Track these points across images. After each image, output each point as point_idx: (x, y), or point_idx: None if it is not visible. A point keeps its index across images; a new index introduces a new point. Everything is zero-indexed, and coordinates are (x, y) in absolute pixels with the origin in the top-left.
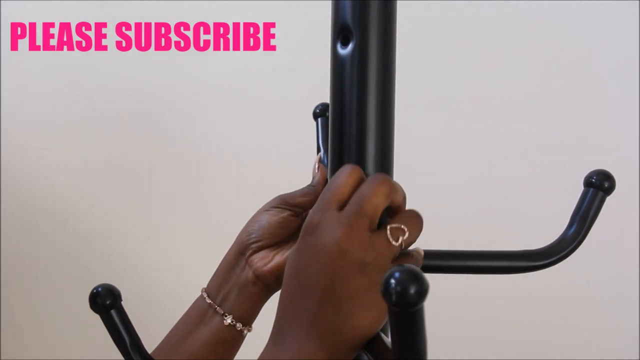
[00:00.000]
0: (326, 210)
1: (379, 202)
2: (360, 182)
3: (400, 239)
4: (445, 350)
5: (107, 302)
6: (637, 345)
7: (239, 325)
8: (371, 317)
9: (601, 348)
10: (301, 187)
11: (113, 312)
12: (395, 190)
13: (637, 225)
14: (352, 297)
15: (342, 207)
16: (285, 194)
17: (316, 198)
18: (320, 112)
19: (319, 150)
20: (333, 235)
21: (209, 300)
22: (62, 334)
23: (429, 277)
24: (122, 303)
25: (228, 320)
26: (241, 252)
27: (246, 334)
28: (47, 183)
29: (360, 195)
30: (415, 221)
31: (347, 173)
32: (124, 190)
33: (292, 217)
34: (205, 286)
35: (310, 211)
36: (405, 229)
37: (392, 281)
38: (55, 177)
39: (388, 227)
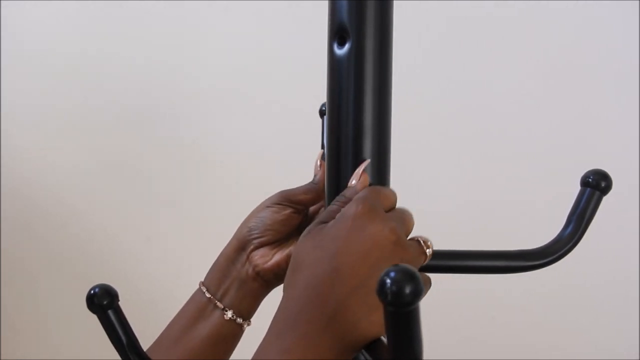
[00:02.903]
0: (376, 205)
1: (412, 224)
2: (395, 204)
3: (428, 250)
4: (445, 351)
5: (104, 303)
6: (637, 345)
7: (239, 320)
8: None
9: (601, 348)
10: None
11: (110, 312)
12: None
13: (638, 225)
14: None
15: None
16: (287, 190)
17: (318, 196)
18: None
19: (323, 147)
20: (383, 227)
21: (208, 295)
22: (61, 334)
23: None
24: (121, 304)
25: (228, 314)
26: (242, 247)
27: (245, 328)
28: (46, 184)
29: (403, 211)
30: (431, 242)
31: (392, 191)
32: (123, 192)
33: (294, 215)
34: (202, 280)
35: (355, 200)
36: (430, 244)
37: (388, 280)
38: (54, 178)
39: (419, 239)
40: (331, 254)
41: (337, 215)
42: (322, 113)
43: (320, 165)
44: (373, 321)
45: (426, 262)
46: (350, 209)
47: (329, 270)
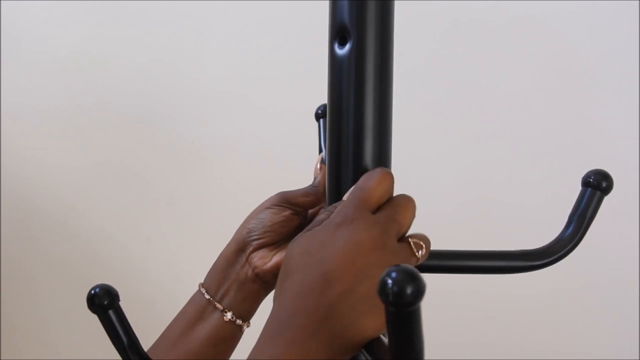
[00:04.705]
0: (362, 209)
1: (410, 216)
2: (391, 188)
3: (420, 252)
4: (444, 351)
5: (105, 303)
6: (637, 345)
7: (238, 321)
8: (379, 321)
9: (601, 348)
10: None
11: (111, 312)
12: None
13: (637, 226)
14: (370, 297)
15: (374, 209)
16: (286, 192)
17: (317, 198)
18: (322, 113)
19: (320, 151)
20: (369, 233)
21: (208, 296)
22: (61, 334)
23: (426, 277)
24: (121, 304)
25: (228, 316)
26: (241, 249)
27: (245, 329)
28: (45, 184)
29: (396, 204)
30: (428, 241)
31: (381, 177)
32: (123, 192)
33: (293, 216)
34: (202, 281)
35: (342, 206)
36: (423, 245)
37: (389, 281)
38: (53, 178)
39: (410, 240)
40: (318, 261)
41: (325, 222)
42: (317, 116)
43: (320, 168)
44: (365, 326)
45: (418, 263)
46: (336, 216)
47: (318, 276)
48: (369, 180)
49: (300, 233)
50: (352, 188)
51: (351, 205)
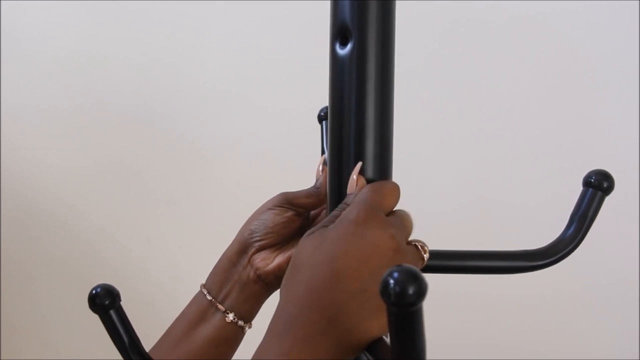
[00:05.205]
0: (376, 209)
1: (412, 226)
2: (398, 201)
3: (426, 256)
4: (445, 352)
5: (106, 302)
6: (637, 345)
7: (240, 323)
8: (385, 321)
9: (602, 348)
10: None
11: (112, 312)
12: None
13: (637, 226)
14: (379, 297)
15: (386, 214)
16: (288, 193)
17: (319, 200)
18: (325, 115)
19: (323, 153)
20: (382, 234)
21: (210, 297)
22: (61, 334)
23: (427, 277)
24: (121, 304)
25: (230, 317)
26: (243, 250)
27: (247, 330)
28: (45, 184)
29: (403, 214)
30: (427, 247)
31: (394, 187)
32: (123, 192)
33: (295, 217)
34: (203, 282)
35: (356, 204)
36: (426, 249)
37: (391, 281)
38: (53, 178)
39: (416, 243)
40: (331, 258)
41: (338, 219)
42: (320, 118)
43: (323, 170)
44: (371, 326)
45: (423, 266)
46: (350, 213)
47: (329, 273)
48: (384, 187)
49: (313, 228)
50: (363, 188)
51: (365, 204)
